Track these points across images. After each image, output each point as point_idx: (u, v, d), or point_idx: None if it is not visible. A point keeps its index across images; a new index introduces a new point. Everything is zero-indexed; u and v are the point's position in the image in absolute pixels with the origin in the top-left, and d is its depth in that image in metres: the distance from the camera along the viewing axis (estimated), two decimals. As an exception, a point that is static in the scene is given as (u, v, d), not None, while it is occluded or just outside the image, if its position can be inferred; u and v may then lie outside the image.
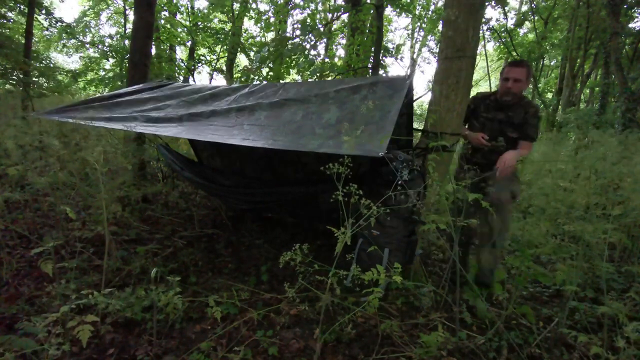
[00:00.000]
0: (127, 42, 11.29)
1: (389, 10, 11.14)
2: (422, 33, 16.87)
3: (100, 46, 12.50)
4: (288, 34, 7.16)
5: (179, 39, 12.47)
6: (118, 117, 3.15)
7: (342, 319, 2.17)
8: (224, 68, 13.06)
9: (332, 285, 1.83)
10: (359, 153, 1.88)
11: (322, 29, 7.22)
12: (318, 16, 8.37)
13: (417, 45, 18.10)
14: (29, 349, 1.68)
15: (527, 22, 13.56)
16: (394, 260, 2.43)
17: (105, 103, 3.49)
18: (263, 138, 2.36)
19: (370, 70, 6.66)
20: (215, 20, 13.73)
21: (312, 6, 7.83)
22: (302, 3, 7.72)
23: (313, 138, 2.15)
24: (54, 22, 8.98)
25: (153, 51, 8.08)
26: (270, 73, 7.39)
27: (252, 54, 11.30)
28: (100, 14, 15.11)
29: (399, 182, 2.21)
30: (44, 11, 8.59)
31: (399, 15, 13.23)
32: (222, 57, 13.44)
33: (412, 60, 17.30)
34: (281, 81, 6.39)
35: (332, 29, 9.87)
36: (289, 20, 8.74)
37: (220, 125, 2.67)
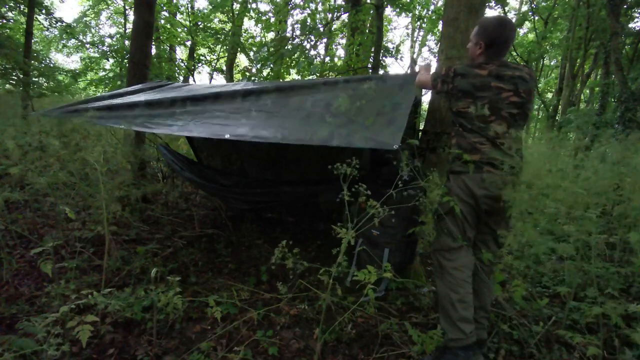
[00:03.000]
0: (127, 42, 11.29)
1: (389, 10, 11.15)
2: (422, 33, 16.88)
3: (100, 46, 12.48)
4: (288, 34, 7.15)
5: (179, 39, 12.46)
6: (118, 116, 3.15)
7: (341, 318, 2.17)
8: (224, 68, 13.06)
9: (330, 284, 1.83)
10: (373, 145, 1.82)
11: (322, 29, 7.21)
12: (318, 16, 8.37)
13: (417, 45, 18.10)
14: (28, 349, 1.67)
15: (527, 22, 13.54)
16: (394, 260, 2.44)
17: (105, 103, 3.48)
18: (271, 126, 2.27)
19: (370, 70, 6.65)
20: (216, 20, 13.73)
21: (312, 6, 7.83)
22: (302, 3, 7.72)
23: (323, 126, 2.09)
24: (54, 22, 8.96)
25: (153, 51, 8.07)
26: (271, 73, 7.39)
27: (252, 54, 11.31)
28: (100, 14, 15.11)
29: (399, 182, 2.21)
30: (44, 11, 8.57)
31: (398, 15, 13.23)
32: (222, 57, 13.44)
33: (412, 60, 17.28)
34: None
35: (332, 29, 9.86)
36: (289, 21, 8.73)
37: (227, 112, 2.59)
